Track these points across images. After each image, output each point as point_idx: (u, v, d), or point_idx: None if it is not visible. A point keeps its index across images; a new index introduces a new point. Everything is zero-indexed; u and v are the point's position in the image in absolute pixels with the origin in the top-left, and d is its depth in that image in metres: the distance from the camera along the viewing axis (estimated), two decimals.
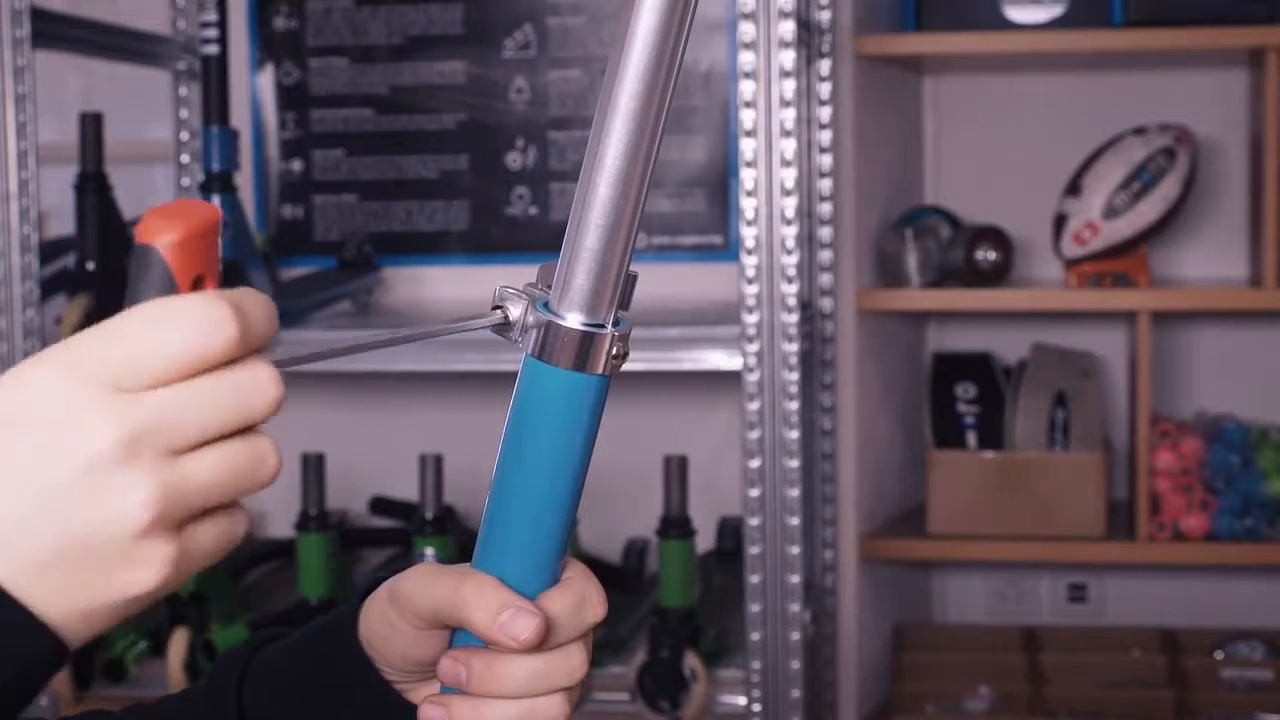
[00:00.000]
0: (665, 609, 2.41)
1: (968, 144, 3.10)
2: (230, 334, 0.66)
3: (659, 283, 2.81)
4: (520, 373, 0.84)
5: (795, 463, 2.27)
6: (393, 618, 0.89)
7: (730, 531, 2.77)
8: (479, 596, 0.85)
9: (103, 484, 0.65)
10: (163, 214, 0.69)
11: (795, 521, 2.28)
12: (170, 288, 0.69)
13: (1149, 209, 2.78)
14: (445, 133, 2.95)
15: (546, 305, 0.83)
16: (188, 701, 0.98)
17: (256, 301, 0.68)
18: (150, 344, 0.66)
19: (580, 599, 0.87)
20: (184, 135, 2.98)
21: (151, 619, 2.55)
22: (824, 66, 2.72)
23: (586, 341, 0.82)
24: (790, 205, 2.25)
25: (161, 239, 0.69)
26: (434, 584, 0.87)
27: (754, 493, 2.28)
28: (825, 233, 2.73)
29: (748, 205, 2.26)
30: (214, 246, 0.70)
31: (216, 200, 2.56)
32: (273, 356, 0.70)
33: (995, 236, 2.81)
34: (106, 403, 0.65)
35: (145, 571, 0.66)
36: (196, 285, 0.69)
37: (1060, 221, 2.84)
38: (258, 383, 0.68)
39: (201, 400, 0.66)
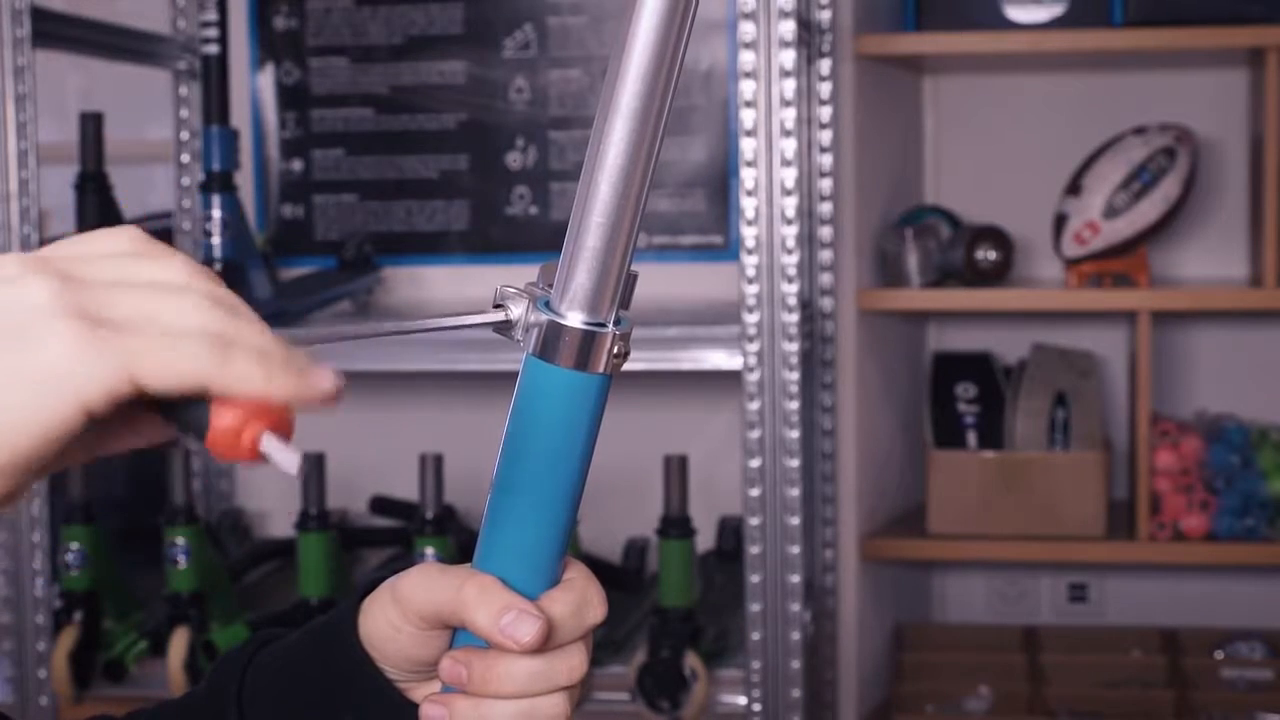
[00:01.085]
0: (665, 609, 2.41)
1: (968, 144, 3.10)
2: (137, 234, 0.72)
3: (659, 283, 2.81)
4: (521, 372, 0.84)
5: (795, 462, 2.27)
6: (394, 618, 0.89)
7: (730, 531, 2.77)
8: (481, 598, 0.85)
9: (4, 277, 0.64)
10: None
11: (795, 521, 2.28)
12: None
13: (1149, 209, 2.78)
14: (445, 133, 2.95)
15: (548, 304, 0.82)
16: (188, 704, 0.98)
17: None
18: (97, 247, 0.70)
19: (581, 600, 0.87)
20: (184, 135, 2.98)
21: (151, 619, 2.55)
22: (824, 66, 2.72)
23: (588, 341, 0.82)
24: (790, 205, 2.25)
25: None
26: (435, 584, 0.87)
27: (754, 492, 2.28)
28: (825, 232, 2.72)
29: (748, 205, 2.26)
30: None
31: (217, 199, 2.56)
32: None
33: (995, 236, 2.81)
34: (37, 263, 0.66)
35: (53, 345, 0.63)
36: None
37: (1060, 221, 2.84)
38: (171, 260, 0.70)
39: (113, 260, 0.70)
